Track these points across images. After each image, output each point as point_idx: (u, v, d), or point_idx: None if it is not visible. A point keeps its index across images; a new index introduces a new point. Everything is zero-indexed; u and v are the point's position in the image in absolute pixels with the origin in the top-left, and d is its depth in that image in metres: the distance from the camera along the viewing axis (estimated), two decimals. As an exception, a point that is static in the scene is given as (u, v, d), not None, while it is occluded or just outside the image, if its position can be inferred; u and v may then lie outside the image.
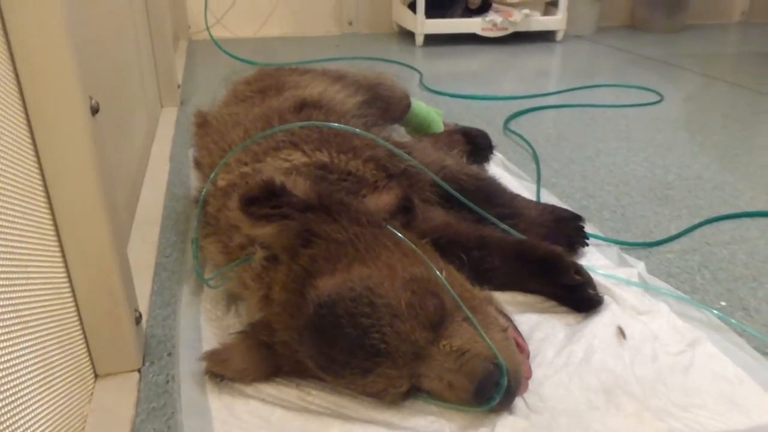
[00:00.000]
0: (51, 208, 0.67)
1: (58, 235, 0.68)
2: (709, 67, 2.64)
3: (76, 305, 0.72)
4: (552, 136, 1.69)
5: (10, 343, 0.55)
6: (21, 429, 0.54)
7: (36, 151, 0.65)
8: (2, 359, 0.53)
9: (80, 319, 0.72)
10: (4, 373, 0.53)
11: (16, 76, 0.62)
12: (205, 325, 0.86)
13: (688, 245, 1.10)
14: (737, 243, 1.11)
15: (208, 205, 0.89)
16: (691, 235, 1.13)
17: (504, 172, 1.36)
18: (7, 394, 0.53)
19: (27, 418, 0.56)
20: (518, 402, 0.70)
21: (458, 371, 0.65)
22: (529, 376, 0.71)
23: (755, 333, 0.85)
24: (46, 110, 0.64)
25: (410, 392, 0.69)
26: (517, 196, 1.05)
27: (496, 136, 1.53)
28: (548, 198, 1.25)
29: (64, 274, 0.69)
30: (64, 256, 0.69)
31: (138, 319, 0.79)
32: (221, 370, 0.72)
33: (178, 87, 1.98)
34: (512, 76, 2.51)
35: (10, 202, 0.58)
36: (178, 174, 1.40)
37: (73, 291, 0.71)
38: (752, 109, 2.00)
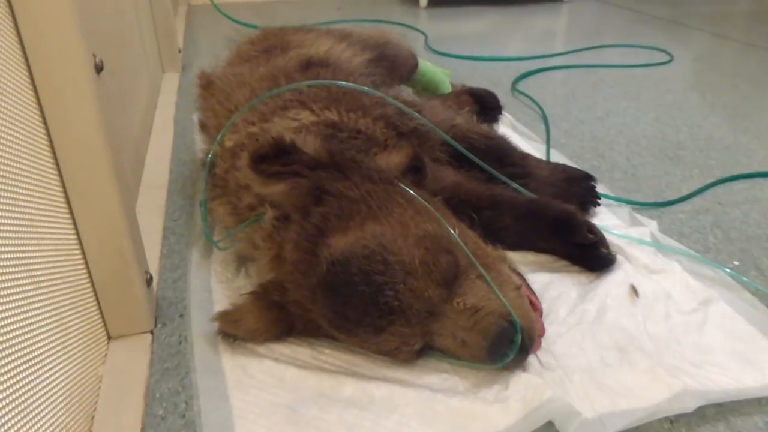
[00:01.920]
0: (58, 167, 0.66)
1: (66, 195, 0.67)
2: (719, 26, 2.59)
3: (87, 267, 0.71)
4: (560, 97, 1.66)
5: (25, 302, 0.54)
6: (39, 389, 0.54)
7: (41, 109, 0.63)
8: (19, 320, 0.53)
9: (92, 280, 0.72)
10: (21, 333, 0.53)
11: (18, 34, 0.60)
12: (216, 287, 0.86)
13: (701, 205, 1.09)
14: (750, 203, 1.09)
15: (216, 167, 0.87)
16: (703, 195, 1.12)
17: (513, 133, 1.34)
18: (24, 352, 0.53)
19: (44, 377, 0.56)
20: (531, 360, 0.70)
21: (472, 329, 0.64)
22: (542, 334, 0.71)
23: (768, 291, 0.84)
24: (50, 68, 0.62)
25: (423, 350, 0.69)
26: (527, 156, 1.03)
27: (504, 97, 1.51)
28: (558, 159, 1.23)
29: (74, 235, 0.69)
30: (73, 216, 0.68)
31: (149, 281, 0.79)
32: (234, 331, 0.72)
33: (179, 52, 1.95)
34: (519, 36, 2.46)
35: (16, 161, 0.57)
36: (183, 138, 1.39)
37: (83, 252, 0.70)
38: (764, 69, 1.96)
